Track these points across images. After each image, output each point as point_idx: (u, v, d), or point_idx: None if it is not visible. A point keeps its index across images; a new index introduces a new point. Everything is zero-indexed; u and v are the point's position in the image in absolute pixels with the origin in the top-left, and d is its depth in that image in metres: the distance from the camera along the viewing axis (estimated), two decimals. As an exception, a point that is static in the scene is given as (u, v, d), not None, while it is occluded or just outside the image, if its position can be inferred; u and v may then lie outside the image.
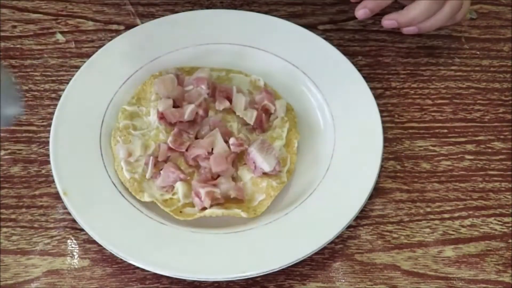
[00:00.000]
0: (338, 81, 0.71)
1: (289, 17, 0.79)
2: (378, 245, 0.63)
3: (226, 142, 0.64)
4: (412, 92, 0.74)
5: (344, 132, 0.67)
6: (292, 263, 0.59)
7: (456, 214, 0.65)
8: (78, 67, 0.70)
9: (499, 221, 0.65)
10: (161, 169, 0.63)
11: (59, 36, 0.77)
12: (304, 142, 0.68)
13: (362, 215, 0.64)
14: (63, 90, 0.68)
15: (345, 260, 0.62)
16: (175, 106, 0.67)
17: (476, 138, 0.71)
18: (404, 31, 0.73)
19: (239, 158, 0.65)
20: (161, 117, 0.66)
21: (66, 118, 0.66)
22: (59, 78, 0.73)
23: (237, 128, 0.67)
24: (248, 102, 0.68)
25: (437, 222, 0.65)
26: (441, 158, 0.69)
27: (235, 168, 0.64)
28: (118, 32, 0.76)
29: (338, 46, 0.73)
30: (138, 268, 0.59)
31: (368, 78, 0.72)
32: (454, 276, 0.61)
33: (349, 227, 0.63)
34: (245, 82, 0.71)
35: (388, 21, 0.71)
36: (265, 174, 0.63)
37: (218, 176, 0.63)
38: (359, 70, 0.71)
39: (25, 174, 0.66)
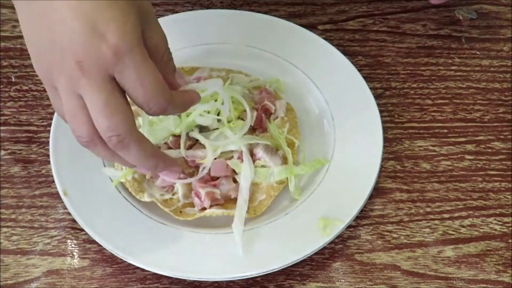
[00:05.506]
0: (338, 81, 0.71)
1: (289, 17, 0.79)
2: (378, 245, 0.63)
3: None
4: (412, 92, 0.74)
5: (344, 132, 0.67)
6: (292, 263, 0.59)
7: (456, 214, 0.65)
8: (78, 67, 0.70)
9: (499, 221, 0.65)
10: (161, 169, 0.63)
11: (59, 36, 0.76)
12: (304, 142, 0.68)
13: (362, 215, 0.64)
14: (63, 90, 0.68)
15: (345, 260, 0.62)
16: (175, 106, 0.66)
17: (476, 138, 0.71)
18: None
19: (239, 158, 0.65)
20: (161, 117, 0.66)
21: (66, 118, 0.66)
22: (59, 78, 0.73)
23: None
24: (248, 102, 0.67)
25: (437, 222, 0.65)
26: (441, 158, 0.69)
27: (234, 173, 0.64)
28: (118, 32, 0.76)
29: (338, 46, 0.73)
30: (138, 268, 0.59)
31: (368, 78, 0.72)
32: (454, 276, 0.61)
33: (349, 227, 0.63)
34: (245, 82, 0.71)
35: None
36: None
37: (218, 177, 0.63)
38: (359, 70, 0.71)
39: (25, 174, 0.66)
